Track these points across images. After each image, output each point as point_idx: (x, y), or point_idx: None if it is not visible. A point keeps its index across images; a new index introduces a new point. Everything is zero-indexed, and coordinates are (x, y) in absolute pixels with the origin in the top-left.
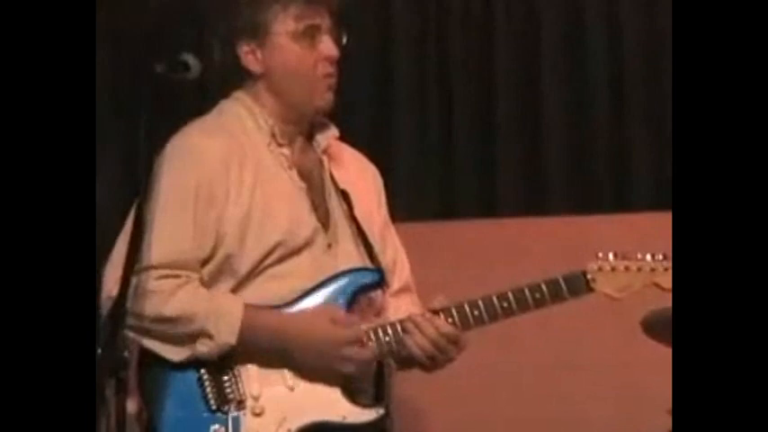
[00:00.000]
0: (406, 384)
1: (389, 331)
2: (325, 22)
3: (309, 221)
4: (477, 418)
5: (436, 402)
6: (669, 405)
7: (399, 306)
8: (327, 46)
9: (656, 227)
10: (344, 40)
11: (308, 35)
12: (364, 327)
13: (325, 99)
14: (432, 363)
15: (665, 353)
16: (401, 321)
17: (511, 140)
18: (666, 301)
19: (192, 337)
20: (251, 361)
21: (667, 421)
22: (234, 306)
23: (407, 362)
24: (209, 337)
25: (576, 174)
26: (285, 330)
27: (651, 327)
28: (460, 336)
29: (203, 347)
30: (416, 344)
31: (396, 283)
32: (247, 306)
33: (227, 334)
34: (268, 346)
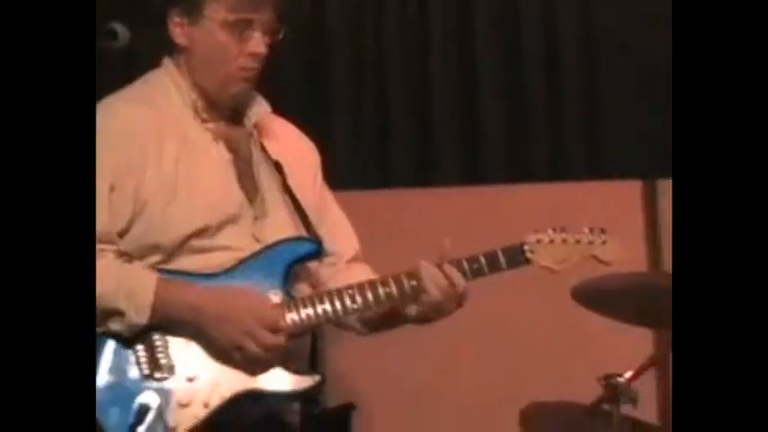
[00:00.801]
0: (338, 351)
1: (326, 300)
2: (259, 17)
3: (236, 195)
4: (406, 386)
5: (368, 370)
6: (600, 372)
7: (354, 275)
8: (256, 42)
9: (590, 195)
10: (281, 35)
11: (239, 27)
12: (302, 295)
13: (239, 87)
14: (437, 314)
15: (596, 321)
16: (410, 272)
17: (447, 109)
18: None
19: (104, 315)
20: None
21: (598, 388)
22: (146, 284)
23: (374, 325)
24: (121, 315)
25: (513, 143)
26: (201, 307)
27: (582, 295)
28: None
29: (115, 325)
30: (434, 291)
31: (348, 252)
32: (162, 282)
33: (137, 315)
34: (183, 321)
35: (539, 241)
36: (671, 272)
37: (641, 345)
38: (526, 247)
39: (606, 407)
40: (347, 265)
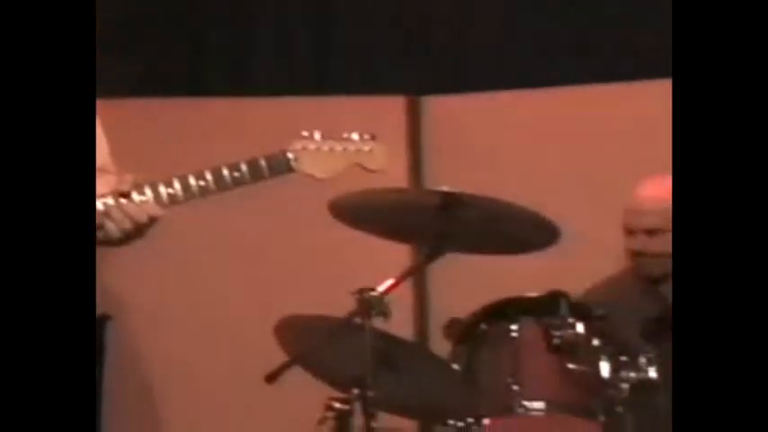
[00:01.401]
0: (98, 262)
1: None
2: None
3: None
4: (163, 298)
5: (126, 281)
6: (355, 287)
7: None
8: None
9: (355, 110)
10: None
11: None
12: None
13: None
14: (122, 241)
15: (354, 235)
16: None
17: (219, 21)
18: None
19: None
20: None
21: (350, 304)
22: None
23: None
24: None
25: (282, 56)
26: None
27: (339, 209)
28: (156, 213)
29: None
30: (114, 222)
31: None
32: None
33: None
34: None
35: (304, 148)
36: (432, 188)
37: (399, 260)
38: (290, 155)
39: (359, 320)
40: None
